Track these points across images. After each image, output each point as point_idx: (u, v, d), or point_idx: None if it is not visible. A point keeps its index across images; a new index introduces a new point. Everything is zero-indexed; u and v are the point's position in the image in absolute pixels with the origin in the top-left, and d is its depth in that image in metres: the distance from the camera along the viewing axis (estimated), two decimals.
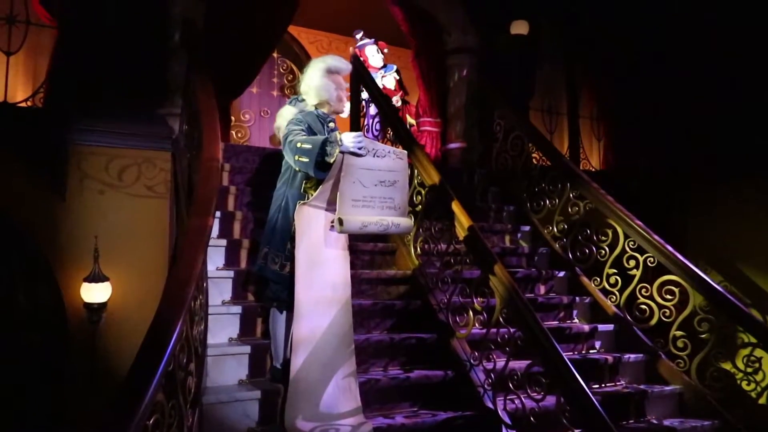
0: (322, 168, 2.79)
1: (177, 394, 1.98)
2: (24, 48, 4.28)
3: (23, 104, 4.19)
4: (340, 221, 2.71)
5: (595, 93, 6.92)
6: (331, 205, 2.85)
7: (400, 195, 2.93)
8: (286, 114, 3.09)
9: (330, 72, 3.11)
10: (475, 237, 3.31)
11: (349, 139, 2.75)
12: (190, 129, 3.74)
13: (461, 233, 3.39)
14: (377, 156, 2.84)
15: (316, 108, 3.13)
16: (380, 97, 4.80)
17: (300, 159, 2.82)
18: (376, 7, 6.21)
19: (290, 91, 7.78)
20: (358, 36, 6.35)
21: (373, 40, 6.26)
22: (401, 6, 5.96)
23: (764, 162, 5.45)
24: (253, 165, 4.52)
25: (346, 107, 3.88)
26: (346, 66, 3.20)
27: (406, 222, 2.99)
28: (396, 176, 2.90)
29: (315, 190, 2.88)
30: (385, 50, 6.30)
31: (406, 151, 3.08)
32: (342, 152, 2.73)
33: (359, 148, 2.76)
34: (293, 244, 2.89)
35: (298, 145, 2.82)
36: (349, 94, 4.11)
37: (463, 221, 3.40)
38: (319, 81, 3.08)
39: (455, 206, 3.48)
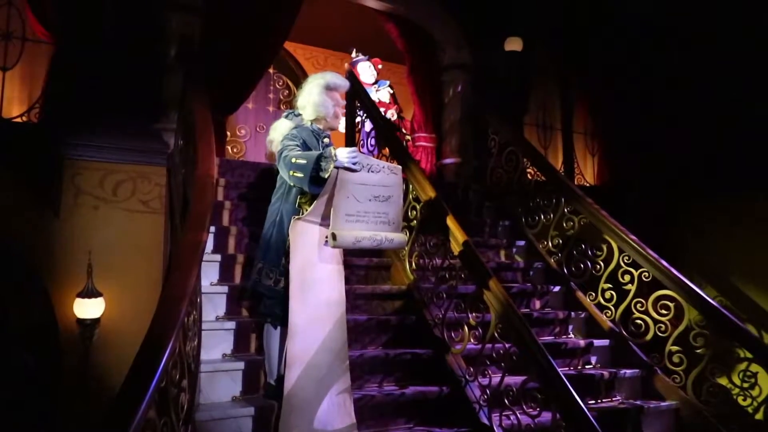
0: (317, 183, 2.79)
1: (169, 411, 1.96)
2: (20, 63, 4.30)
3: (18, 119, 4.20)
4: (333, 236, 2.71)
5: (589, 108, 6.96)
6: (325, 220, 2.84)
7: (395, 210, 2.93)
8: (281, 128, 3.10)
9: (329, 89, 3.13)
10: (469, 252, 3.31)
11: (343, 154, 2.76)
12: (185, 144, 3.74)
13: (456, 248, 3.39)
14: (372, 171, 2.84)
15: (311, 123, 3.14)
16: (376, 112, 4.82)
17: (295, 174, 2.82)
18: (372, 23, 6.27)
19: (286, 106, 7.79)
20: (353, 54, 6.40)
21: (366, 57, 6.30)
22: (396, 23, 6.02)
23: (762, 176, 5.48)
24: (248, 180, 4.52)
25: (341, 123, 3.89)
26: (344, 83, 3.22)
27: (400, 237, 2.99)
28: (390, 191, 2.90)
29: (310, 206, 2.88)
30: (380, 66, 6.33)
31: (400, 167, 3.09)
32: (337, 167, 2.74)
33: (354, 164, 2.76)
34: (288, 259, 2.88)
35: (293, 160, 2.83)
36: (344, 110, 4.14)
37: (457, 236, 3.39)
38: (318, 97, 3.10)
39: (450, 221, 3.48)
